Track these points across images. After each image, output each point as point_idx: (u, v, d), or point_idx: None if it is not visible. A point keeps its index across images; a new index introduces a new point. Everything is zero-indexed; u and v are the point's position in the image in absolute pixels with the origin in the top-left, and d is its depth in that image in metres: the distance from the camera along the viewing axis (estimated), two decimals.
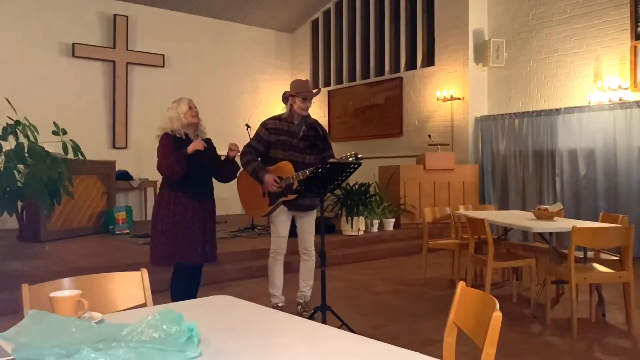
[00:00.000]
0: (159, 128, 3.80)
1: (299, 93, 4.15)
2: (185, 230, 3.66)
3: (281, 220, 4.27)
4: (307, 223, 4.36)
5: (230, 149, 3.91)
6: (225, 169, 3.98)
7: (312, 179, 3.65)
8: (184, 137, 3.75)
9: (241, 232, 7.67)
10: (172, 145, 3.67)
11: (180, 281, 3.77)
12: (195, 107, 3.82)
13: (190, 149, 3.65)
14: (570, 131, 7.70)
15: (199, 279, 3.91)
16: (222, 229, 8.08)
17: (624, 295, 4.00)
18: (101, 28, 9.69)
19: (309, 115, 4.31)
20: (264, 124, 4.28)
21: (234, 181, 4.31)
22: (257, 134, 4.25)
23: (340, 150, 4.42)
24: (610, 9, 7.48)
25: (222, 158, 3.99)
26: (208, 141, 3.88)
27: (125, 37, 9.81)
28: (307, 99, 4.17)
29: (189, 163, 3.63)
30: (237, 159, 4.05)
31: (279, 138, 4.17)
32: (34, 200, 4.85)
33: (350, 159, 3.82)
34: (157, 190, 3.88)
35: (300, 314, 4.31)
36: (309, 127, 4.24)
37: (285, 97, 4.27)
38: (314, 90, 4.31)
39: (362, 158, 3.91)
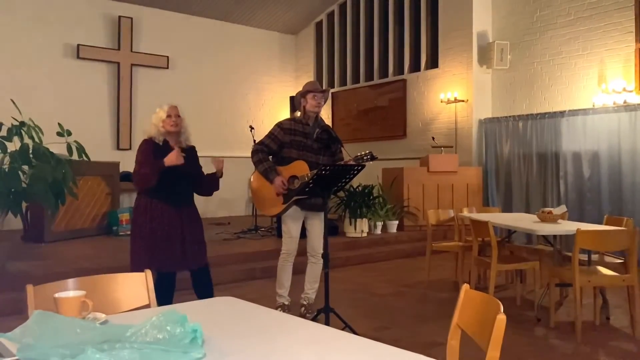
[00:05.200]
0: (144, 132, 3.80)
1: (309, 91, 4.22)
2: (161, 237, 3.63)
3: (293, 221, 4.28)
4: (318, 225, 4.35)
5: (217, 165, 3.85)
6: (206, 184, 3.89)
7: (316, 181, 3.66)
8: (161, 143, 3.71)
9: (245, 234, 7.68)
10: (149, 153, 3.64)
11: (161, 288, 3.68)
12: (177, 116, 3.74)
13: (168, 162, 3.57)
14: (574, 134, 7.68)
15: (209, 283, 3.86)
16: (225, 230, 8.10)
17: (629, 299, 3.99)
18: (106, 30, 9.73)
19: (321, 118, 4.37)
20: (279, 124, 4.31)
21: (243, 180, 4.32)
22: (271, 132, 4.28)
23: (345, 153, 4.44)
24: (614, 11, 7.47)
25: (208, 173, 3.93)
26: (191, 149, 3.85)
27: (130, 38, 9.84)
28: (317, 94, 4.21)
29: (165, 170, 3.61)
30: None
31: (294, 138, 4.20)
32: (38, 201, 4.86)
33: (365, 157, 3.91)
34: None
35: (303, 316, 4.33)
36: (322, 130, 4.29)
37: (298, 101, 4.32)
38: (323, 89, 4.35)
39: (376, 157, 3.97)
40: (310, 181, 3.73)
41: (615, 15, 7.46)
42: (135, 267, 3.61)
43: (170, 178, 3.65)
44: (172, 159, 3.59)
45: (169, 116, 3.71)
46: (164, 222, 3.65)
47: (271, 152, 4.23)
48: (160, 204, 3.66)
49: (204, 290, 3.78)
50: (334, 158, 4.30)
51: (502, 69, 8.75)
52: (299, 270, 4.59)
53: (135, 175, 3.66)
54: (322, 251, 4.28)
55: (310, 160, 4.15)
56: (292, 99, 10.29)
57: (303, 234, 4.37)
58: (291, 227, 4.29)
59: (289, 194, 4.12)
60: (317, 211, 4.29)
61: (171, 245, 3.65)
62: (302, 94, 4.27)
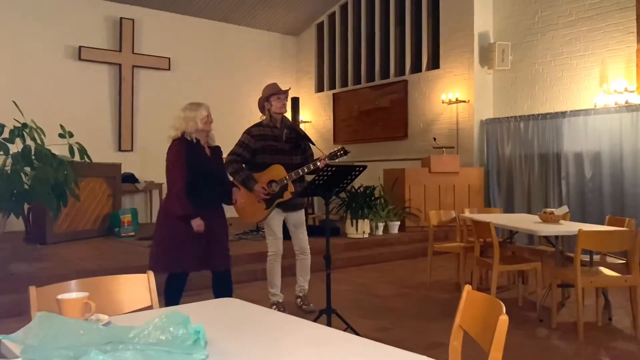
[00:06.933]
0: (173, 127, 3.72)
1: (271, 95, 4.29)
2: (194, 239, 3.63)
3: (277, 222, 4.41)
4: (299, 223, 4.51)
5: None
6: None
7: (317, 183, 3.68)
8: (194, 141, 3.70)
9: (246, 235, 7.68)
10: (182, 154, 3.61)
11: (174, 288, 3.71)
12: (211, 116, 3.78)
13: (196, 228, 3.59)
14: (576, 134, 7.67)
15: (230, 286, 3.87)
16: None
17: (631, 299, 3.98)
18: (107, 31, 9.74)
19: (286, 117, 4.46)
20: (248, 132, 4.38)
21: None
22: (241, 141, 4.33)
23: (315, 148, 4.59)
24: (615, 11, 7.46)
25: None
26: (217, 149, 3.87)
27: (132, 40, 9.85)
28: (281, 96, 4.30)
29: (197, 174, 3.62)
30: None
31: (266, 144, 4.28)
32: (40, 203, 4.87)
33: (339, 153, 4.03)
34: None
35: (300, 307, 4.50)
36: (290, 130, 4.38)
37: (262, 106, 4.39)
38: (284, 89, 4.41)
39: (348, 152, 4.09)
40: (316, 180, 3.75)
41: (616, 16, 7.46)
42: (161, 267, 3.64)
43: (203, 180, 3.66)
44: (197, 226, 3.59)
45: (208, 115, 3.71)
46: (205, 224, 3.63)
47: (245, 160, 4.28)
48: (198, 207, 3.63)
49: (223, 292, 3.75)
50: (305, 155, 4.40)
51: (503, 69, 8.75)
52: (292, 271, 4.69)
53: (170, 181, 3.63)
54: (308, 247, 4.53)
55: (284, 162, 4.24)
56: (292, 100, 10.30)
57: (286, 235, 4.51)
58: (275, 229, 4.41)
59: (271, 199, 4.22)
60: (298, 210, 4.46)
61: (201, 246, 3.67)
62: (265, 98, 4.33)
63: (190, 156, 3.62)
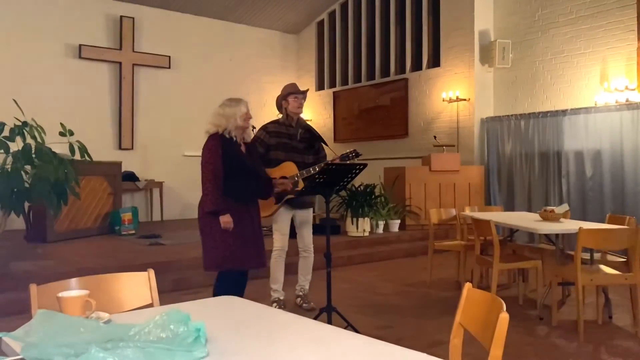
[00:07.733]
0: (211, 124, 3.66)
1: (289, 93, 4.38)
2: (247, 235, 3.63)
3: (284, 219, 4.45)
4: (306, 221, 4.55)
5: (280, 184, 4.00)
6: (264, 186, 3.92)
7: (318, 181, 3.69)
8: (234, 138, 3.66)
9: None
10: (217, 150, 3.57)
11: (227, 287, 3.64)
12: (250, 112, 3.75)
13: (224, 224, 3.57)
14: (576, 132, 7.67)
15: (244, 283, 3.88)
16: None
17: (631, 297, 3.98)
18: (107, 30, 9.73)
19: (301, 118, 4.53)
20: (264, 128, 4.45)
21: None
22: (257, 136, 4.38)
23: (328, 149, 4.61)
24: (616, 10, 7.45)
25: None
26: (251, 146, 3.89)
27: (132, 38, 9.85)
28: (298, 95, 4.37)
29: (234, 170, 3.61)
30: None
31: (280, 140, 4.35)
32: (41, 201, 4.87)
33: (351, 155, 4.09)
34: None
35: (300, 306, 4.53)
36: (305, 130, 4.45)
37: (279, 104, 4.47)
38: (303, 89, 4.48)
39: (360, 154, 4.14)
40: (317, 178, 3.76)
41: (617, 14, 7.45)
42: (212, 266, 3.63)
43: (238, 176, 3.64)
44: (225, 223, 3.56)
45: (247, 111, 3.69)
46: (236, 219, 3.63)
47: (259, 155, 4.29)
48: (231, 202, 3.62)
49: (238, 291, 3.72)
50: (318, 156, 4.48)
51: (503, 67, 8.74)
52: (295, 270, 4.69)
53: (203, 176, 3.58)
54: (312, 245, 4.57)
55: (297, 160, 4.30)
56: None
57: (292, 233, 4.55)
58: (282, 225, 4.45)
59: (281, 195, 4.24)
60: (306, 208, 4.50)
61: (248, 241, 3.67)
62: (283, 96, 4.42)
63: (227, 152, 3.59)
